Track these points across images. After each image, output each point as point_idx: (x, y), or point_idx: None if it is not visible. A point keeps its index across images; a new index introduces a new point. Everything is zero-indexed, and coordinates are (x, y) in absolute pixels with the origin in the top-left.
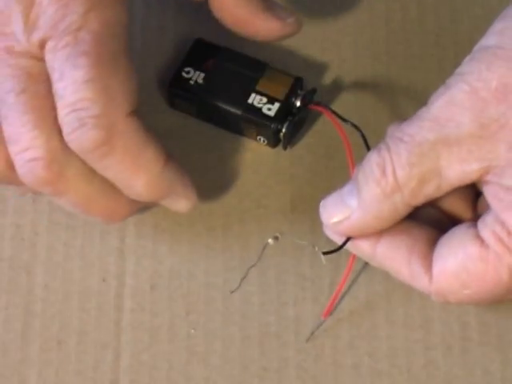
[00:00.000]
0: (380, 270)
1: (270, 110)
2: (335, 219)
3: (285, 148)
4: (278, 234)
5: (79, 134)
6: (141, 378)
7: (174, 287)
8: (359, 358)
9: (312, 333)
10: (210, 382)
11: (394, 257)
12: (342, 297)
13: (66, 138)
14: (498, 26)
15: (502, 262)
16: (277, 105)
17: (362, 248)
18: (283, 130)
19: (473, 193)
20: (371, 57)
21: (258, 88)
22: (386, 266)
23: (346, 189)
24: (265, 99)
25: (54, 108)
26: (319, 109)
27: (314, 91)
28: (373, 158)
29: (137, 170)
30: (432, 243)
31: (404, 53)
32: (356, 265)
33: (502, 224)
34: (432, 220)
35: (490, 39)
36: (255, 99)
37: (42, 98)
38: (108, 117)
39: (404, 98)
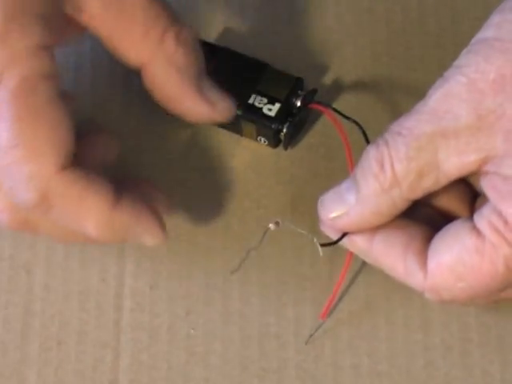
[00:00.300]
0: (380, 271)
1: (270, 110)
2: (333, 214)
3: (285, 148)
4: (278, 220)
5: (15, 196)
6: (140, 378)
7: (173, 287)
8: (359, 358)
9: (311, 335)
10: (210, 382)
11: (390, 253)
12: (342, 297)
13: (7, 197)
14: (495, 19)
15: (497, 253)
16: (277, 105)
17: (357, 244)
18: (284, 131)
19: (471, 194)
20: (372, 57)
21: (258, 88)
22: (381, 262)
23: (345, 185)
24: (265, 99)
25: None
26: (320, 108)
27: (314, 92)
28: (371, 153)
29: (82, 218)
30: (428, 241)
31: (404, 54)
32: (356, 266)
33: (499, 214)
34: (429, 220)
35: (487, 31)
36: (256, 99)
37: None
38: (38, 178)
39: (405, 99)
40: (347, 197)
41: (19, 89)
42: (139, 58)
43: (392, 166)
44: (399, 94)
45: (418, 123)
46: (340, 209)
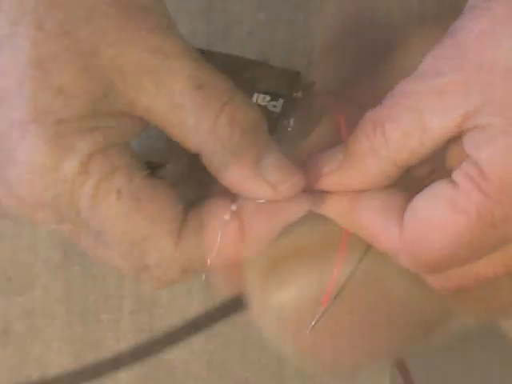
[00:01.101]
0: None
1: (275, 106)
2: (321, 170)
3: None
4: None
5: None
6: (140, 378)
7: (173, 287)
8: None
9: (314, 323)
10: (210, 382)
11: (370, 211)
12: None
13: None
14: None
15: (470, 201)
16: (281, 100)
17: (341, 202)
18: (291, 124)
19: None
20: (372, 57)
21: (259, 87)
22: (361, 222)
23: (338, 147)
24: (268, 97)
25: None
26: (323, 97)
27: (313, 84)
28: (367, 116)
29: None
30: None
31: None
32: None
33: (475, 163)
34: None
35: None
36: (258, 98)
37: None
38: (164, 262)
39: None
40: (337, 155)
41: (92, 205)
42: (194, 146)
43: (383, 126)
44: None
45: (409, 84)
46: (328, 165)
